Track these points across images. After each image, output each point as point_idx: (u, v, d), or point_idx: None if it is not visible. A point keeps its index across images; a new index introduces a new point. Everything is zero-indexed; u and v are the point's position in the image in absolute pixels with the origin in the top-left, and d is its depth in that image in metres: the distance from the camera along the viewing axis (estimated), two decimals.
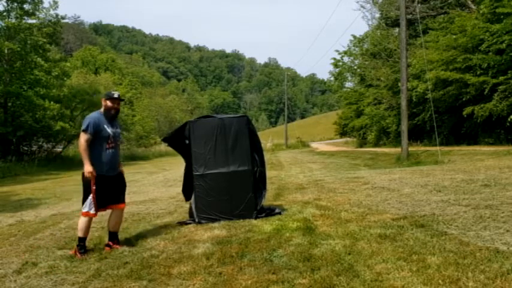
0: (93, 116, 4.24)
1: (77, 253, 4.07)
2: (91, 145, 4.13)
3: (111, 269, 3.54)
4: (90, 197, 4.10)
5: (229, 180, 5.15)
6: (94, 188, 4.09)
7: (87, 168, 4.05)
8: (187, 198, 5.47)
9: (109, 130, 4.23)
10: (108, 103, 4.28)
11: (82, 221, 4.16)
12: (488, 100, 14.56)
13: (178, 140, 5.35)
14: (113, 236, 4.38)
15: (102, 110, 4.33)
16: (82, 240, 4.15)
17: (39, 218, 6.57)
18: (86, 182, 4.13)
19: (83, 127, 4.12)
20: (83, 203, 4.16)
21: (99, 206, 4.16)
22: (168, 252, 3.93)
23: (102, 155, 4.18)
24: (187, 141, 5.26)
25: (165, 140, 5.64)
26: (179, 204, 6.73)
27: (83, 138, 4.10)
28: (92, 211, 4.13)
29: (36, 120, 20.66)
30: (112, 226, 4.37)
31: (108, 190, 4.20)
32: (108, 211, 4.40)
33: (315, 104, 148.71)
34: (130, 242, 4.48)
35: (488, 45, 14.52)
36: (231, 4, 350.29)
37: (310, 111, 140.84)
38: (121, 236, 4.75)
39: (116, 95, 4.35)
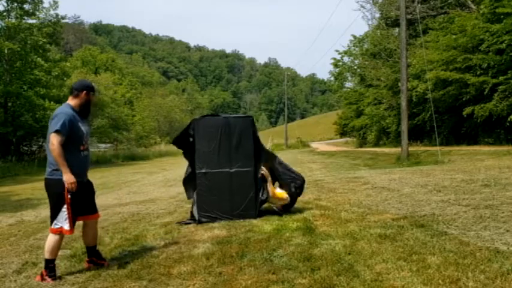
0: (66, 111, 3.42)
1: (46, 277, 3.37)
2: (64, 148, 3.33)
3: (111, 269, 3.54)
4: (64, 209, 3.37)
5: (231, 180, 5.16)
6: (69, 197, 3.36)
7: (69, 178, 3.31)
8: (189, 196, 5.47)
9: (83, 128, 3.53)
10: (91, 97, 3.62)
11: (53, 240, 3.41)
12: (488, 100, 14.56)
13: (185, 139, 5.34)
14: (94, 251, 3.74)
15: (75, 103, 3.54)
16: (51, 262, 3.42)
17: (39, 218, 6.57)
18: (55, 193, 3.39)
19: (57, 127, 3.29)
20: (53, 218, 3.42)
21: (74, 220, 3.44)
22: (168, 252, 3.92)
23: (78, 159, 3.47)
24: (191, 139, 5.26)
25: (174, 142, 5.56)
26: (179, 204, 6.73)
27: (57, 140, 3.27)
28: (67, 227, 3.38)
29: (36, 120, 20.68)
30: (90, 240, 3.72)
31: (81, 199, 3.51)
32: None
33: (315, 104, 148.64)
34: (130, 242, 4.48)
35: (488, 45, 14.52)
36: (231, 4, 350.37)
37: (310, 111, 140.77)
38: (121, 235, 4.76)
39: (96, 87, 3.72)
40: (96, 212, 3.75)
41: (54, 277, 3.38)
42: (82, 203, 3.53)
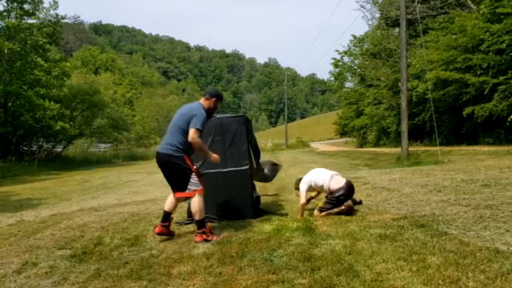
0: (203, 113, 4.20)
1: (210, 234, 4.15)
2: (187, 139, 4.12)
3: (111, 269, 3.53)
4: (194, 176, 4.15)
5: (226, 180, 5.14)
6: (195, 167, 4.27)
7: (214, 156, 4.31)
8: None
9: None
10: (218, 104, 4.38)
11: (199, 201, 4.15)
12: (488, 100, 14.56)
13: None
14: (169, 217, 4.48)
15: (207, 105, 4.32)
16: (203, 220, 4.20)
17: (39, 218, 6.57)
18: (183, 166, 4.14)
19: (198, 125, 4.08)
20: (183, 186, 4.17)
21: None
22: (168, 252, 3.92)
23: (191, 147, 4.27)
24: None
25: None
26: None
27: (197, 135, 4.08)
28: (200, 187, 4.18)
29: (36, 120, 20.68)
30: (175, 207, 4.55)
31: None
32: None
33: (315, 104, 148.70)
34: (129, 242, 4.48)
35: (488, 45, 14.52)
36: (231, 4, 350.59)
37: (310, 111, 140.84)
38: (121, 235, 4.76)
39: None
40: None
41: (211, 231, 4.23)
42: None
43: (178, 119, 4.24)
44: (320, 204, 5.34)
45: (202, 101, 4.37)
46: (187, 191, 4.19)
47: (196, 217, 4.17)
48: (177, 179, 4.23)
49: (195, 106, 4.29)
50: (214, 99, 4.34)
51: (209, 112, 4.36)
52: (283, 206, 6.02)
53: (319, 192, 5.59)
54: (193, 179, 4.16)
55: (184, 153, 4.16)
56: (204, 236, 4.15)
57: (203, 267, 3.41)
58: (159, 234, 4.36)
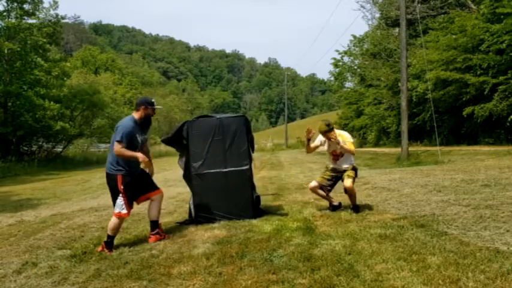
0: (127, 125, 4.17)
1: (105, 249, 4.14)
2: None
3: (111, 269, 3.54)
4: (120, 197, 4.15)
5: (227, 180, 5.15)
6: (122, 187, 4.12)
7: (139, 155, 4.11)
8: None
9: (139, 139, 4.26)
10: (150, 111, 4.32)
11: (114, 222, 4.18)
12: (488, 100, 14.54)
13: (178, 140, 5.35)
14: (157, 224, 4.47)
15: (137, 116, 4.28)
16: (111, 237, 4.20)
17: (39, 218, 6.57)
18: (112, 186, 4.17)
19: (118, 137, 4.07)
20: (114, 205, 4.21)
21: (130, 204, 4.23)
22: (168, 252, 3.92)
23: (132, 160, 4.19)
24: (185, 142, 5.26)
25: (164, 141, 5.65)
26: (179, 204, 6.73)
27: (119, 147, 4.05)
28: (124, 211, 4.15)
29: (36, 120, 20.65)
30: (154, 214, 4.44)
31: (135, 186, 4.27)
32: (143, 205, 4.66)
33: (315, 104, 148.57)
34: (130, 242, 4.48)
35: (488, 45, 14.51)
36: (231, 4, 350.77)
37: (310, 111, 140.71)
38: (121, 235, 4.76)
39: (155, 103, 4.43)
40: (157, 189, 4.51)
41: (110, 249, 4.12)
42: (140, 187, 4.35)
43: (113, 135, 4.27)
44: (351, 174, 5.31)
45: (134, 113, 4.37)
46: (114, 211, 4.22)
47: (109, 232, 4.20)
48: (112, 196, 4.27)
49: (123, 120, 4.33)
50: (142, 107, 4.29)
51: (145, 121, 4.34)
52: (283, 206, 6.02)
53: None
54: (119, 200, 4.15)
55: (119, 172, 4.14)
56: (103, 249, 4.14)
57: (203, 267, 3.42)
58: (154, 242, 4.36)
